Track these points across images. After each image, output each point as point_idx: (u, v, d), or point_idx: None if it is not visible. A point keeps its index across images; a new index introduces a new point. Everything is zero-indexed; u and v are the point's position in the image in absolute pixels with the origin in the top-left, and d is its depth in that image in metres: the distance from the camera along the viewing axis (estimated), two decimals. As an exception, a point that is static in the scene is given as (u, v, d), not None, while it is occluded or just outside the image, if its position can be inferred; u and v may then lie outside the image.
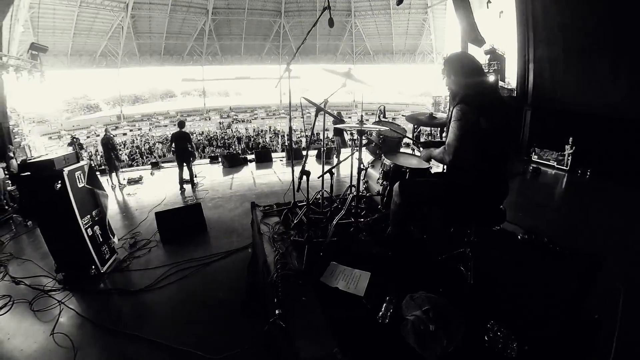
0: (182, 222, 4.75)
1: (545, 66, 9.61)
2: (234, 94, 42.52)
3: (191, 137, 7.71)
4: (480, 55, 10.68)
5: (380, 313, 1.92)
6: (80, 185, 3.78)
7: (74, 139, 8.58)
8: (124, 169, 9.95)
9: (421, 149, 2.45)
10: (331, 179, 2.79)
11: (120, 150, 17.17)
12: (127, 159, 17.43)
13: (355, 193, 2.73)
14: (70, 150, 8.01)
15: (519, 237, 2.83)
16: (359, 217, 2.87)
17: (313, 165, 8.37)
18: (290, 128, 3.36)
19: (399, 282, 2.23)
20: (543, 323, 1.88)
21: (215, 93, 39.71)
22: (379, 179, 3.03)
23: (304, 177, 2.50)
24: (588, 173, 8.06)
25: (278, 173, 8.09)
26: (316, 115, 2.34)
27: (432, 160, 2.29)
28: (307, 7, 23.13)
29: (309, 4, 22.90)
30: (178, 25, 22.39)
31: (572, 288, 2.14)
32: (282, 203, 3.50)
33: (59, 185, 3.45)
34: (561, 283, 2.23)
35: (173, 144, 7.31)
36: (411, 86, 38.39)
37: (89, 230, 3.78)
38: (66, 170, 3.52)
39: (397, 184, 2.32)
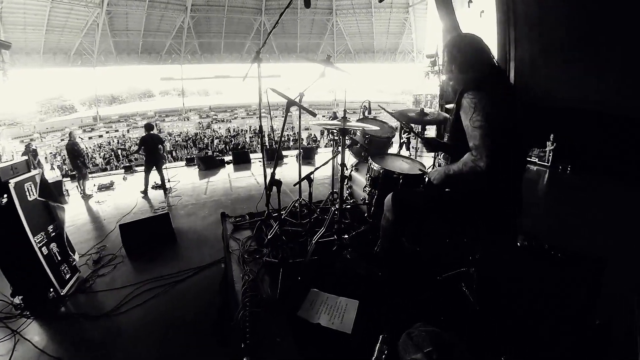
0: (150, 234, 4.24)
1: (526, 64, 9.50)
2: (214, 93, 41.27)
3: (162, 139, 7.24)
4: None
5: (373, 359, 1.52)
6: (31, 198, 3.26)
7: (28, 148, 7.83)
8: (95, 174, 9.24)
9: (429, 171, 2.02)
10: (310, 186, 2.37)
11: (94, 154, 16.30)
12: (103, 163, 16.49)
13: (337, 206, 2.28)
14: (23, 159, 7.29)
15: (518, 243, 2.51)
16: (343, 232, 2.45)
17: (293, 167, 7.94)
18: (260, 127, 2.91)
19: (392, 310, 1.84)
20: (555, 343, 1.72)
21: (195, 92, 38.62)
22: (365, 186, 2.59)
23: (274, 189, 2.01)
24: (568, 169, 8.04)
25: (256, 175, 7.59)
26: (287, 111, 1.89)
27: (448, 178, 1.73)
28: (288, 5, 22.54)
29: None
30: (156, 23, 21.40)
31: (579, 298, 1.99)
32: (255, 213, 3.05)
33: (4, 200, 2.92)
34: (568, 294, 2.04)
35: (142, 148, 6.81)
36: (392, 85, 38.40)
37: (44, 248, 3.25)
38: (12, 182, 2.98)
39: (389, 197, 1.91)
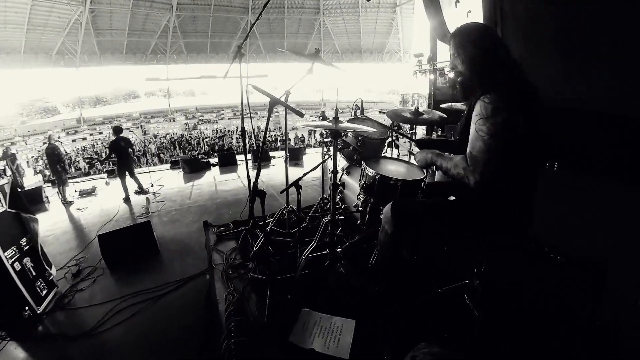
0: (130, 245, 3.97)
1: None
2: (200, 93, 40.46)
3: (131, 142, 6.96)
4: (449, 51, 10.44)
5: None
6: (0, 210, 3.00)
7: (6, 152, 7.40)
8: (76, 179, 8.82)
9: (416, 150, 1.76)
10: (298, 193, 2.17)
11: (77, 157, 15.68)
12: (86, 167, 15.90)
13: (329, 217, 2.06)
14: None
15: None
16: (336, 245, 2.24)
17: (282, 168, 7.72)
18: (243, 128, 2.70)
19: (392, 328, 1.67)
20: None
21: (180, 93, 37.80)
22: (359, 194, 2.38)
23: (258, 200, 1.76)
24: (555, 165, 8.05)
25: (243, 178, 7.28)
26: (270, 110, 1.66)
27: (434, 168, 1.63)
28: (275, 4, 22.29)
29: (277, 0, 22.07)
30: (141, 22, 20.83)
31: (583, 303, 1.93)
32: (240, 221, 2.83)
33: (-33, 214, 2.66)
34: (572, 299, 1.98)
35: (113, 154, 6.50)
36: (379, 84, 38.43)
37: (17, 264, 2.99)
38: (-23, 193, 2.71)
39: (388, 208, 1.70)
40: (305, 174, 2.16)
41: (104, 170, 10.38)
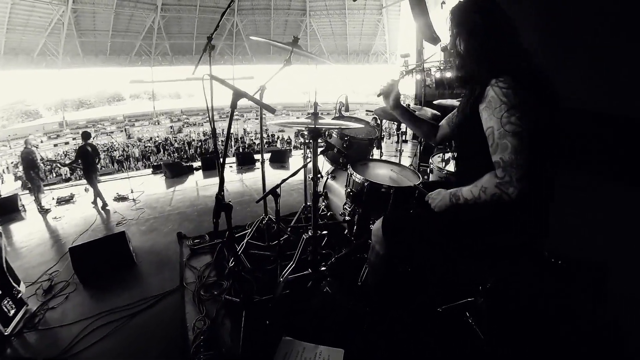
0: (104, 257, 3.65)
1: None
2: (186, 96, 39.58)
3: (98, 150, 6.75)
4: (437, 52, 10.45)
5: None
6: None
7: None
8: (54, 186, 8.37)
9: (431, 198, 1.37)
10: (276, 202, 1.92)
11: (55, 162, 15.01)
12: (67, 172, 15.26)
13: (310, 232, 1.81)
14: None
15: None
16: (319, 262, 1.99)
17: (266, 171, 7.43)
18: (214, 130, 2.45)
19: (386, 356, 1.45)
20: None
21: (166, 95, 36.99)
22: (345, 203, 2.12)
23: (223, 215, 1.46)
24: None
25: (226, 182, 6.93)
26: (233, 106, 1.36)
27: (459, 208, 1.22)
28: (261, 5, 22.01)
29: (264, 1, 21.79)
30: (125, 22, 20.24)
31: (586, 306, 1.82)
32: (217, 232, 2.57)
33: None
34: (575, 303, 1.85)
35: (79, 160, 6.24)
36: (366, 85, 38.45)
37: None
38: None
39: (378, 225, 1.44)
40: (283, 181, 1.91)
41: (99, 172, 9.97)
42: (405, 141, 11.26)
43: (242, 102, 1.52)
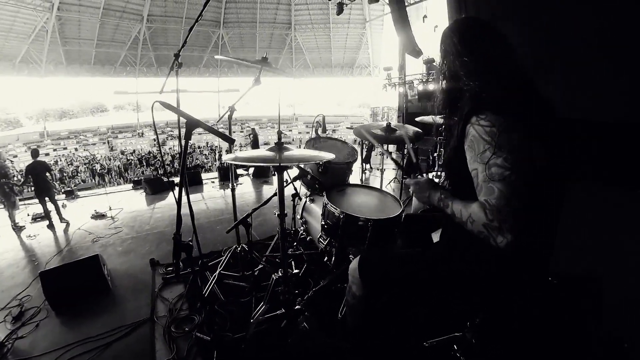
0: (77, 282, 3.46)
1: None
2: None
3: (49, 166, 6.63)
4: (419, 65, 10.67)
5: None
6: None
7: None
8: (30, 201, 8.00)
9: (412, 181, 1.27)
10: (248, 233, 1.85)
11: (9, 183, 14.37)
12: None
13: (281, 272, 1.69)
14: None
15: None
16: (294, 299, 1.89)
17: (248, 187, 7.31)
18: (159, 143, 2.36)
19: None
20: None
21: (150, 107, 36.43)
22: (320, 236, 2.03)
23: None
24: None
25: (207, 199, 6.89)
26: (187, 137, 1.26)
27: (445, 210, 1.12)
28: (247, 19, 22.07)
29: (249, 15, 21.87)
30: (110, 32, 19.85)
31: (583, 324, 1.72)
32: (192, 258, 2.47)
33: None
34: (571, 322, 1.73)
35: (30, 177, 6.09)
36: (350, 98, 38.96)
37: None
38: None
39: (355, 264, 1.37)
40: (254, 210, 1.85)
41: (62, 191, 9.55)
42: (390, 153, 11.32)
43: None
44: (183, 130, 1.30)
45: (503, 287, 1.10)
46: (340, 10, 12.46)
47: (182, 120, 1.36)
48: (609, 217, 4.54)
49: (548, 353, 1.57)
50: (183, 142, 1.26)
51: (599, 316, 1.74)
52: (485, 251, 1.02)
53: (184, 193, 1.45)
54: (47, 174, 6.29)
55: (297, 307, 1.76)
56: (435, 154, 6.25)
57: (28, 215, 6.78)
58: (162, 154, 18.06)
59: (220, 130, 1.35)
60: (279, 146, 1.54)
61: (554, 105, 1.05)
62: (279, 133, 1.61)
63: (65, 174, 17.57)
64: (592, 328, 1.68)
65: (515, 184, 0.89)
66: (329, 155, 1.62)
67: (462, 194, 1.05)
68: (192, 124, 1.26)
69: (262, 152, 1.57)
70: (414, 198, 3.14)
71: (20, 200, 7.48)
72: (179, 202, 1.31)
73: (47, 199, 6.13)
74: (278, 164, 1.39)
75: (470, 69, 1.05)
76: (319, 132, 3.11)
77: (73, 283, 3.46)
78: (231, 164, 1.70)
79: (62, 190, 7.11)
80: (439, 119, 3.88)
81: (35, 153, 6.39)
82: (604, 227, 4.09)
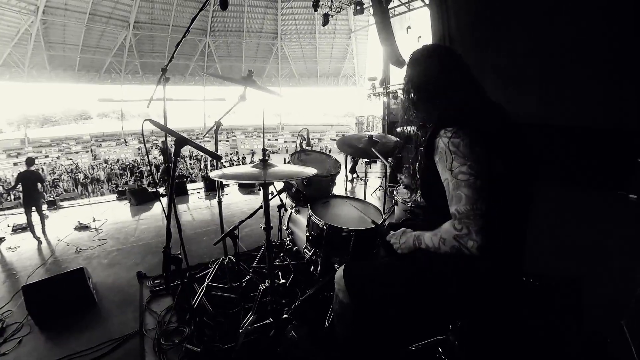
0: (62, 296, 3.38)
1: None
2: (156, 116, 38.39)
3: (42, 177, 6.53)
4: (402, 75, 10.89)
5: None
6: None
7: None
8: (9, 211, 7.76)
9: (394, 239, 1.34)
10: (235, 245, 1.89)
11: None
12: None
13: (268, 282, 1.73)
14: None
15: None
16: (281, 309, 1.94)
17: (236, 198, 7.29)
18: (148, 154, 2.40)
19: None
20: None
21: (135, 115, 35.61)
22: (305, 247, 2.11)
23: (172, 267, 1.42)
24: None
25: (192, 210, 6.85)
26: (176, 155, 1.29)
27: (420, 252, 1.20)
28: (234, 28, 22.15)
29: (236, 24, 21.96)
30: (96, 38, 19.55)
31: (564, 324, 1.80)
32: (180, 270, 2.49)
33: None
34: (552, 323, 1.82)
35: (20, 185, 6.00)
36: (335, 108, 39.37)
37: None
38: None
39: (340, 273, 1.43)
40: (241, 222, 1.90)
41: (44, 201, 9.30)
42: (375, 161, 11.47)
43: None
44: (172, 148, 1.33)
45: (478, 289, 1.18)
46: (326, 21, 12.69)
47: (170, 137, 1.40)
48: (590, 218, 4.72)
49: (530, 352, 1.64)
50: (172, 159, 1.29)
51: (579, 315, 1.80)
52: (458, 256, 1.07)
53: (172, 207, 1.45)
54: (39, 185, 6.19)
55: (284, 316, 1.81)
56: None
57: (8, 226, 6.57)
58: (151, 168, 17.59)
59: (207, 139, 1.39)
60: (264, 163, 1.61)
61: (507, 111, 1.19)
62: (264, 151, 1.68)
63: (47, 184, 17.04)
64: (573, 326, 1.75)
65: (480, 189, 0.98)
66: (312, 171, 1.67)
67: (436, 207, 1.15)
68: (180, 142, 1.30)
69: (248, 168, 1.62)
70: (396, 208, 3.22)
71: (4, 209, 7.28)
72: (168, 216, 1.34)
73: (33, 208, 6.01)
74: (263, 181, 1.45)
75: (433, 91, 1.19)
76: (304, 145, 3.20)
77: (57, 297, 3.38)
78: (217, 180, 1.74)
79: (44, 201, 6.90)
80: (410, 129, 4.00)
81: (30, 162, 6.25)
82: (585, 228, 4.25)
